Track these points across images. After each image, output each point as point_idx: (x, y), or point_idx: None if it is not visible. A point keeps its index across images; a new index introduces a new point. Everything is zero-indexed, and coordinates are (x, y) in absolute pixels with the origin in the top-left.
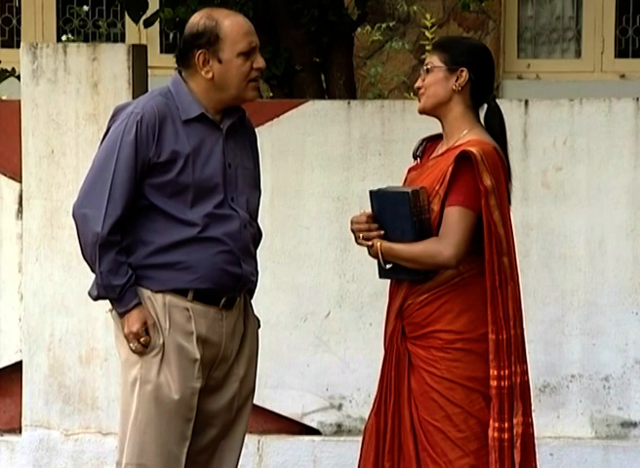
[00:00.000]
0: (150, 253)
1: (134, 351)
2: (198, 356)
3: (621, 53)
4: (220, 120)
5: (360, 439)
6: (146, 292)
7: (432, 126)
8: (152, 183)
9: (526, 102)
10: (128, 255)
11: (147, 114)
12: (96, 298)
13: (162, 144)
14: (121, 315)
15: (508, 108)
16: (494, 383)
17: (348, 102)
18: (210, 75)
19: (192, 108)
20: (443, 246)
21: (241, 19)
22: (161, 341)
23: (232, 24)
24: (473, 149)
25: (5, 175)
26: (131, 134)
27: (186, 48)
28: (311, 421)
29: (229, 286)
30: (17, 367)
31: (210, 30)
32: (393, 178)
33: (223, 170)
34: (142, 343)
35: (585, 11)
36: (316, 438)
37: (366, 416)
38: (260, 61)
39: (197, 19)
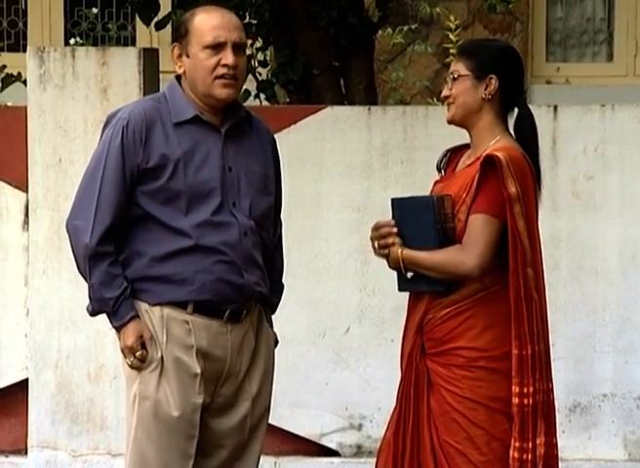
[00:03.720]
0: (146, 264)
1: (130, 366)
2: (199, 370)
3: None
4: (221, 122)
5: None
6: (144, 306)
7: (456, 133)
8: (144, 190)
9: (555, 108)
10: (125, 268)
11: (134, 119)
12: (92, 313)
13: (150, 149)
14: (117, 329)
15: (537, 114)
16: (516, 401)
17: (369, 108)
18: (182, 70)
19: (187, 110)
20: (466, 255)
21: (217, 14)
22: (159, 355)
23: (204, 18)
24: (499, 154)
25: (10, 185)
26: (117, 140)
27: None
28: (330, 442)
29: (231, 297)
30: (22, 385)
31: (183, 23)
32: (416, 188)
33: (222, 173)
34: (138, 358)
35: (618, 12)
36: (335, 459)
37: None
38: (228, 58)
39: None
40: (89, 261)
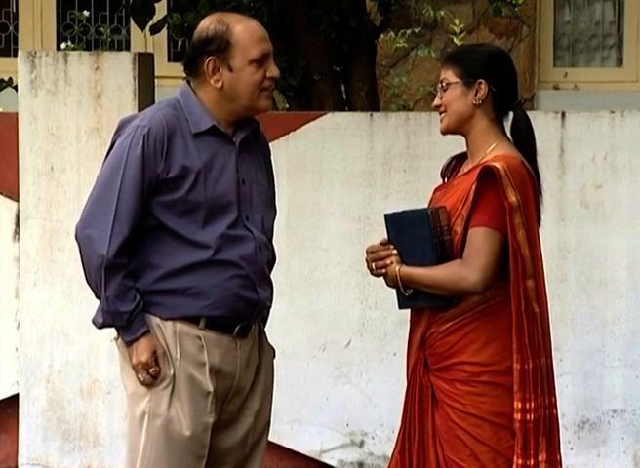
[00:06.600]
0: (159, 277)
1: (142, 383)
2: (211, 388)
3: None
4: (233, 133)
5: None
6: (155, 320)
7: (460, 140)
8: (161, 201)
9: (563, 115)
10: (135, 280)
11: (155, 127)
12: (101, 326)
13: (171, 159)
14: (128, 344)
15: (544, 121)
16: (518, 416)
17: (370, 115)
18: (219, 84)
19: (203, 120)
20: (468, 270)
21: (254, 25)
22: (171, 372)
23: (244, 30)
24: (497, 164)
25: (1, 194)
26: (137, 148)
27: (195, 54)
28: (331, 459)
29: (244, 312)
30: (13, 400)
31: (220, 36)
32: (419, 197)
33: (237, 186)
34: (152, 374)
35: (628, 16)
36: None
37: (389, 454)
38: (273, 70)
39: (207, 24)
40: (105, 273)
